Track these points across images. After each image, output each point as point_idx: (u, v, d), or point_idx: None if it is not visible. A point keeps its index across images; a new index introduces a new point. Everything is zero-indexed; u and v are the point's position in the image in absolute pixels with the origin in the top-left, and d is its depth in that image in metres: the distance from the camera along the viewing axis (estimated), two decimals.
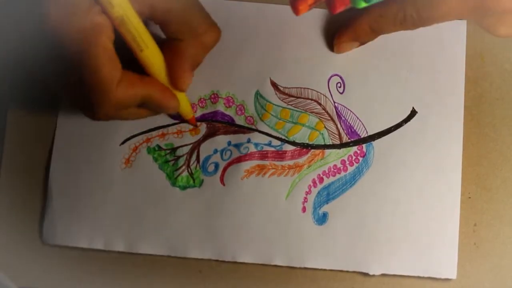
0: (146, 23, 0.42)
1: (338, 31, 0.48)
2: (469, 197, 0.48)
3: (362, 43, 0.48)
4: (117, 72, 0.40)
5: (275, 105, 0.49)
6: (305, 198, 0.48)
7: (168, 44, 0.43)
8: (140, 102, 0.43)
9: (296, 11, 0.41)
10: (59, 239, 0.47)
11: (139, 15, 0.41)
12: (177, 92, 0.45)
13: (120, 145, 0.48)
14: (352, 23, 0.47)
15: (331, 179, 0.48)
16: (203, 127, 0.49)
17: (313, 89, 0.49)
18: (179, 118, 0.48)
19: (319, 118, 0.49)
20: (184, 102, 0.46)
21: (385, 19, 0.45)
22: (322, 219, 0.48)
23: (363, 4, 0.40)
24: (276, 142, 0.48)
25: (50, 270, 0.48)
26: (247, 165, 0.48)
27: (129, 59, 0.42)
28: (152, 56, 0.42)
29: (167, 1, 0.41)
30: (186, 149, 0.48)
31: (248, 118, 0.49)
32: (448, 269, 0.47)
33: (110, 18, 0.39)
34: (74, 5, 0.38)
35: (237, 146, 0.48)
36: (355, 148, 0.48)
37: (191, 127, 0.48)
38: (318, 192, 0.48)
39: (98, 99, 0.40)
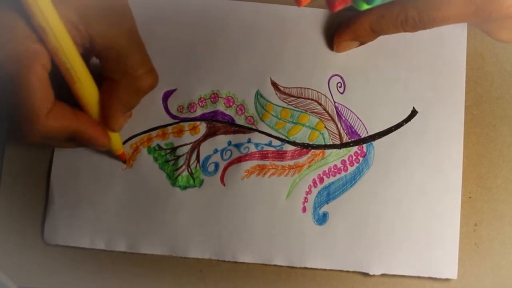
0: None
1: (339, 30, 0.48)
2: (470, 197, 0.48)
3: (362, 43, 0.48)
4: (48, 103, 0.39)
5: (276, 105, 0.49)
6: (305, 198, 0.48)
7: (104, 82, 0.42)
8: (69, 136, 0.42)
9: (298, 2, 0.40)
10: (61, 239, 0.47)
11: (80, 46, 0.40)
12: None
13: None
14: (353, 22, 0.47)
15: (331, 179, 0.48)
16: (203, 127, 0.49)
17: (313, 89, 0.49)
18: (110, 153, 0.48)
19: (319, 118, 0.49)
20: (115, 138, 0.45)
21: (386, 20, 0.44)
22: (322, 219, 0.48)
23: (365, 6, 0.40)
24: (276, 142, 0.48)
25: (51, 270, 0.48)
26: (247, 165, 0.48)
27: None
28: (84, 90, 0.41)
29: (108, 37, 0.40)
30: (186, 149, 0.48)
31: (248, 118, 0.49)
32: (449, 269, 0.47)
33: (47, 47, 0.39)
34: (11, 30, 0.38)
35: (237, 146, 0.48)
36: (355, 148, 0.48)
37: (191, 126, 0.48)
38: (319, 192, 0.48)
39: (25, 126, 0.39)
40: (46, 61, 0.39)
